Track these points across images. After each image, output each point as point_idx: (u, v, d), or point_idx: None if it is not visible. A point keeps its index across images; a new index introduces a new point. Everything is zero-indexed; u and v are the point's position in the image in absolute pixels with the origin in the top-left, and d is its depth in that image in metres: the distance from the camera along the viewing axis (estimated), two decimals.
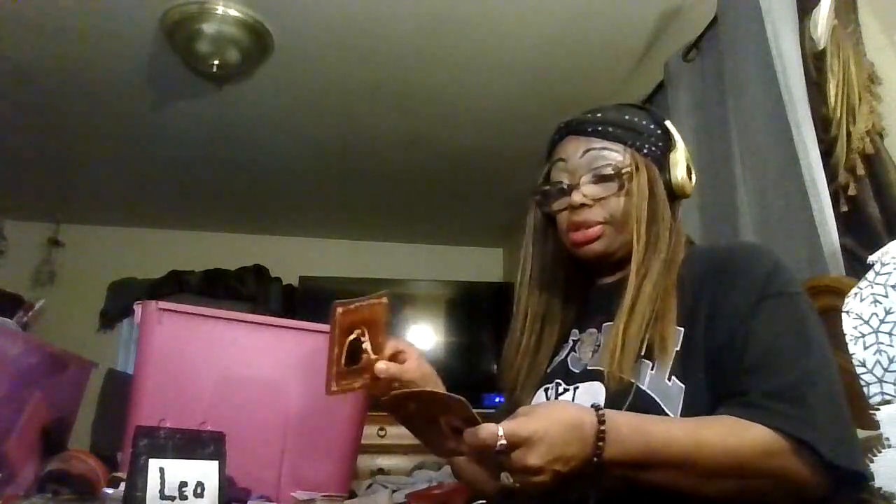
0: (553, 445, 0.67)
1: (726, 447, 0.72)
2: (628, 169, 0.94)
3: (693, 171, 1.00)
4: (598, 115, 0.99)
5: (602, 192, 0.94)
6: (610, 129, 0.96)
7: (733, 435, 0.72)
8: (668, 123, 1.01)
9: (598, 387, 0.88)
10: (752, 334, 0.80)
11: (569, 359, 0.98)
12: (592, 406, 0.72)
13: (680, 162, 0.97)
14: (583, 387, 0.91)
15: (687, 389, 0.81)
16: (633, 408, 0.80)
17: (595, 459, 0.69)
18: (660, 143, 0.98)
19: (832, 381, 0.78)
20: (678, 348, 0.84)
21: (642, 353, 0.84)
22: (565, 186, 0.97)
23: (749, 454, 0.72)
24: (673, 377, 0.82)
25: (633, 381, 0.82)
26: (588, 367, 0.93)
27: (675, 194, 0.97)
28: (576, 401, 0.89)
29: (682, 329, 0.85)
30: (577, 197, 0.94)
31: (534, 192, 1.03)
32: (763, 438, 0.72)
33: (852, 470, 0.72)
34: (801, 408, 0.73)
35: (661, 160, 0.97)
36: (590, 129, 0.97)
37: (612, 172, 0.94)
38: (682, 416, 0.79)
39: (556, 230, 1.01)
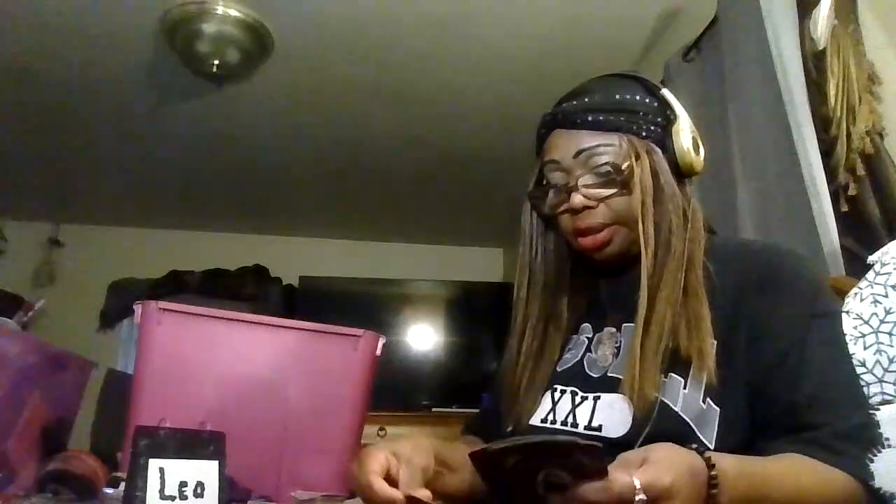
0: (689, 498, 0.60)
1: (823, 496, 0.70)
2: (628, 163, 0.84)
3: (701, 145, 0.89)
4: (586, 99, 0.89)
5: (603, 192, 0.85)
6: (601, 118, 0.86)
7: (825, 482, 0.71)
8: (665, 93, 0.90)
9: (621, 401, 0.80)
10: (806, 360, 0.76)
11: (585, 360, 0.90)
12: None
13: (684, 135, 0.87)
14: (605, 398, 0.83)
15: (723, 414, 0.76)
16: (663, 431, 0.73)
17: None
18: (658, 119, 0.88)
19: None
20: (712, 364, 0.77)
21: (666, 366, 0.77)
22: (562, 187, 0.88)
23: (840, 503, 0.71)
24: (708, 399, 0.76)
25: (658, 396, 0.76)
26: (609, 375, 0.85)
27: (683, 173, 0.88)
28: (596, 412, 0.83)
29: (715, 342, 0.78)
30: (577, 200, 0.85)
31: (529, 196, 0.94)
32: (851, 489, 0.71)
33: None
34: (870, 451, 0.73)
35: (663, 138, 0.87)
36: (579, 121, 0.87)
37: (612, 170, 0.84)
38: (717, 443, 0.74)
39: (555, 229, 0.94)
